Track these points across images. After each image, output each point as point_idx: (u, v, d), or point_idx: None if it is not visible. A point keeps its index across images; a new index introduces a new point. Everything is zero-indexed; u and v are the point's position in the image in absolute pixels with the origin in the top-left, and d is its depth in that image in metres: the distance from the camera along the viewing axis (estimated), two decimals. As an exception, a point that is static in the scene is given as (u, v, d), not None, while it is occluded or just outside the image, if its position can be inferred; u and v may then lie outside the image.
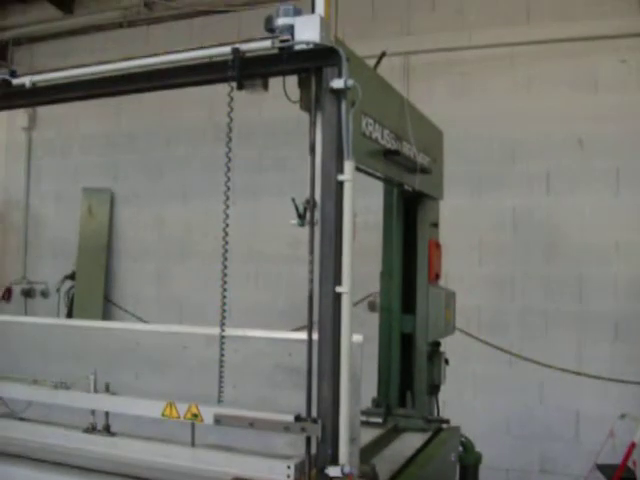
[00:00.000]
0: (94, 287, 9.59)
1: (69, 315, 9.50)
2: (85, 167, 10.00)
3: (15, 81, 3.99)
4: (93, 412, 3.63)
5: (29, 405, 3.96)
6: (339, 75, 3.11)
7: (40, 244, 10.32)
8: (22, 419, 3.94)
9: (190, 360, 3.92)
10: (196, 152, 9.16)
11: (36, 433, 3.79)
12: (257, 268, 8.67)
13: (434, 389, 5.21)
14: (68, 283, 9.75)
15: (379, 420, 4.72)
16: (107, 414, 3.60)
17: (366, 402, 4.92)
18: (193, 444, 3.39)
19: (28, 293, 10.22)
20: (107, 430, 3.59)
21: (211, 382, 3.53)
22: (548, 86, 7.44)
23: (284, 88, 3.33)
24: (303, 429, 3.08)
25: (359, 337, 3.16)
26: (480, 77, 7.74)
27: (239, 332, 3.69)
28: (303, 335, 3.24)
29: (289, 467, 3.10)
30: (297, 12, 3.22)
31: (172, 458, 3.39)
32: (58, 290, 9.79)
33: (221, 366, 3.49)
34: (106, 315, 9.57)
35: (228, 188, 3.48)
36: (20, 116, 10.21)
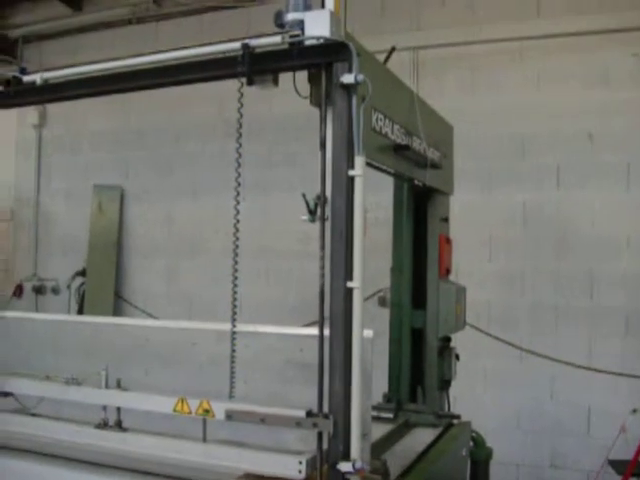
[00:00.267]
0: (105, 284, 9.63)
1: (80, 311, 9.53)
2: (95, 164, 10.03)
3: (26, 78, 3.99)
4: (105, 408, 3.64)
5: (41, 401, 3.98)
6: (349, 70, 3.10)
7: (51, 241, 10.35)
8: (34, 415, 3.95)
9: (200, 356, 3.92)
10: (206, 148, 9.17)
11: (48, 429, 3.80)
12: (267, 264, 8.67)
13: (445, 384, 5.21)
14: (79, 280, 9.79)
15: (390, 415, 4.72)
16: (119, 410, 3.61)
17: (377, 397, 4.93)
18: (204, 440, 3.40)
19: (39, 290, 10.27)
20: (119, 426, 3.60)
21: (221, 378, 3.54)
22: (558, 80, 7.41)
23: (294, 83, 3.33)
24: (315, 424, 3.08)
25: (370, 332, 3.16)
26: (490, 72, 7.71)
27: (250, 328, 3.68)
28: (314, 331, 3.24)
29: (301, 462, 3.09)
30: (307, 7, 3.21)
31: (184, 454, 3.40)
32: (69, 287, 9.83)
33: (232, 362, 3.50)
34: (117, 311, 9.60)
35: (239, 184, 3.48)
36: (30, 113, 10.23)
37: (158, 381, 3.89)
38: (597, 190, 7.25)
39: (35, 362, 4.15)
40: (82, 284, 9.76)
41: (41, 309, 10.07)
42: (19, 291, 10.36)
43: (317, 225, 3.19)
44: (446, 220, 5.33)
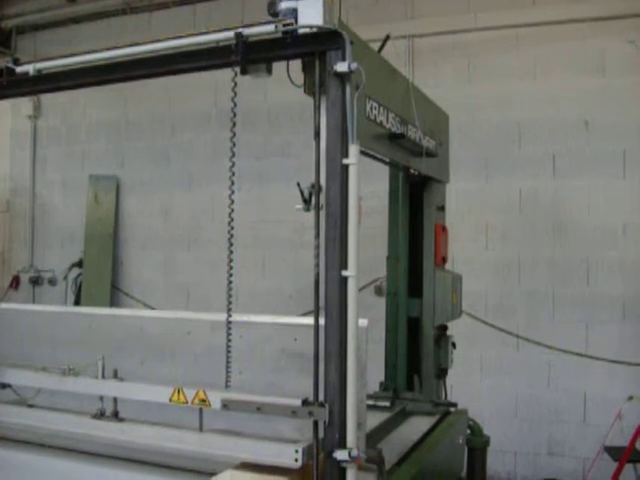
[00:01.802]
0: (101, 275, 9.62)
1: (77, 303, 9.53)
2: (91, 155, 10.02)
3: (19, 69, 3.97)
4: (101, 398, 3.63)
5: (38, 392, 3.97)
6: (343, 58, 3.08)
7: (47, 232, 10.34)
8: (31, 406, 3.95)
9: (195, 346, 3.92)
10: (202, 138, 9.15)
11: (45, 419, 3.80)
12: (264, 254, 8.67)
13: (441, 372, 5.22)
14: (75, 271, 9.78)
15: (387, 404, 4.73)
16: (115, 400, 3.61)
17: (374, 386, 4.94)
18: (201, 429, 3.40)
19: (36, 281, 10.27)
20: (115, 416, 3.60)
21: (216, 369, 3.53)
22: (554, 68, 7.40)
23: (288, 72, 3.32)
24: (310, 413, 3.08)
25: (364, 321, 3.15)
26: (486, 60, 7.70)
27: (244, 318, 3.68)
28: (308, 320, 3.24)
29: (297, 451, 3.09)
30: (300, -5, 3.20)
31: (180, 443, 3.40)
32: (65, 278, 9.82)
33: (228, 351, 3.50)
34: (114, 302, 9.60)
35: (233, 174, 3.46)
36: (24, 104, 10.22)
37: (153, 372, 3.89)
38: (593, 177, 7.24)
39: (30, 353, 4.14)
40: (79, 275, 9.75)
41: (38, 300, 10.07)
42: (16, 283, 10.36)
43: (312, 214, 3.19)
44: (442, 209, 5.34)
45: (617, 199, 7.17)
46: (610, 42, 7.20)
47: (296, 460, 3.08)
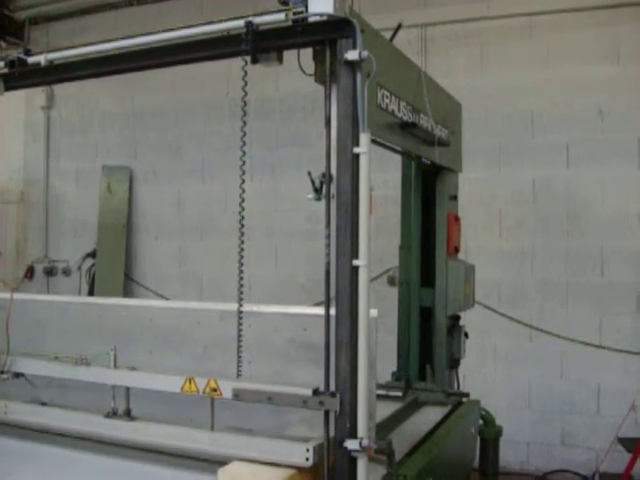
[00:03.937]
0: (115, 265, 9.64)
1: (91, 293, 9.56)
2: (104, 145, 10.02)
3: (30, 59, 3.98)
4: (114, 394, 3.63)
5: (50, 382, 3.98)
6: (354, 47, 3.08)
7: (61, 223, 10.37)
8: (44, 404, 3.95)
9: (204, 336, 3.91)
10: (214, 128, 9.14)
11: (58, 418, 3.80)
12: (277, 243, 8.67)
13: (454, 363, 5.22)
14: (89, 261, 9.80)
15: (399, 394, 4.72)
16: (128, 399, 3.61)
17: (386, 376, 4.94)
18: (212, 427, 3.37)
19: (50, 272, 10.29)
20: (128, 414, 3.59)
21: (224, 359, 3.53)
22: (568, 56, 7.33)
23: (298, 61, 3.31)
24: (321, 403, 3.08)
25: (374, 311, 3.14)
26: (499, 48, 7.63)
27: (254, 308, 3.67)
28: (317, 310, 3.23)
29: (308, 450, 3.08)
30: (310, -17, 3.17)
31: (192, 442, 3.39)
32: (79, 268, 9.85)
33: (240, 341, 3.49)
34: (127, 292, 9.62)
35: (244, 163, 3.46)
36: (38, 95, 10.23)
37: (162, 362, 3.89)
38: (607, 167, 7.18)
39: (41, 343, 4.14)
40: (92, 265, 9.77)
41: (52, 291, 10.11)
42: (30, 273, 10.39)
43: (324, 204, 3.17)
44: (455, 198, 5.31)
45: (631, 188, 7.10)
46: (624, 30, 7.11)
47: (307, 459, 3.08)
